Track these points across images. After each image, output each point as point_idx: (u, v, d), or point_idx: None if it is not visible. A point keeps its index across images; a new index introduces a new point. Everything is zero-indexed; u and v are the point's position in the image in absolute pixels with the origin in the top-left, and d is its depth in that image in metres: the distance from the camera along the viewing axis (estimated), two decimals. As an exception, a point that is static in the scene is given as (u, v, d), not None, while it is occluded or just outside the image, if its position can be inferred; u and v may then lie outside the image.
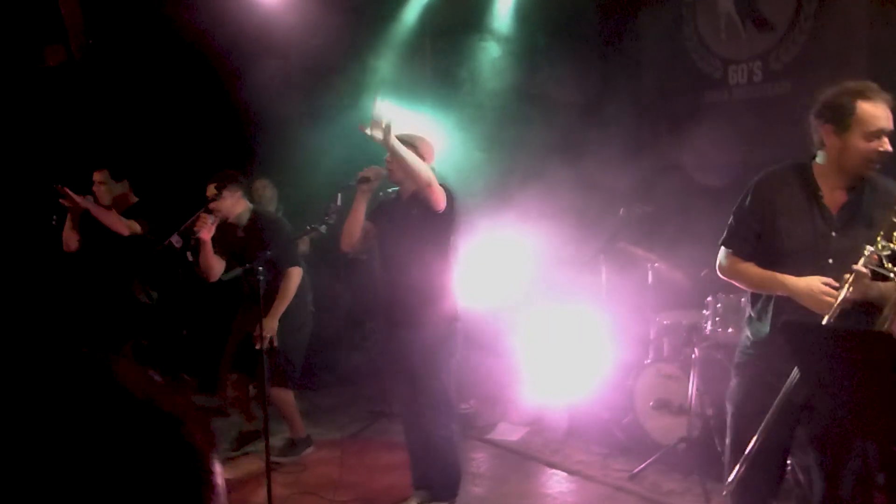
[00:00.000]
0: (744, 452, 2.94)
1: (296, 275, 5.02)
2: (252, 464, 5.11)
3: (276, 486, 4.39)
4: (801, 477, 3.99)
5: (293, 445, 5.38)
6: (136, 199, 5.93)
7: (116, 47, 6.43)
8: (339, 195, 4.09)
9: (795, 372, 2.92)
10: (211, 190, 4.99)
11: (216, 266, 4.93)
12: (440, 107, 6.84)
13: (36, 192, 5.84)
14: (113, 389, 0.73)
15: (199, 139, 6.59)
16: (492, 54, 6.87)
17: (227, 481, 0.83)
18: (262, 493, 4.20)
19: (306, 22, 6.48)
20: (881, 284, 2.59)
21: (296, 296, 5.03)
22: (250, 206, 5.22)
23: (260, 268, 3.96)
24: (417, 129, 5.11)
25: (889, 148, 2.83)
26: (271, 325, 4.85)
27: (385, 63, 7.14)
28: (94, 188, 5.76)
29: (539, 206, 5.56)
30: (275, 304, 4.91)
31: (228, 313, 5.33)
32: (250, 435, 5.39)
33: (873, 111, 2.84)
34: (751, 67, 5.69)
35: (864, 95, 2.86)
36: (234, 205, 5.04)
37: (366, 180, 4.00)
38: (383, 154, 3.94)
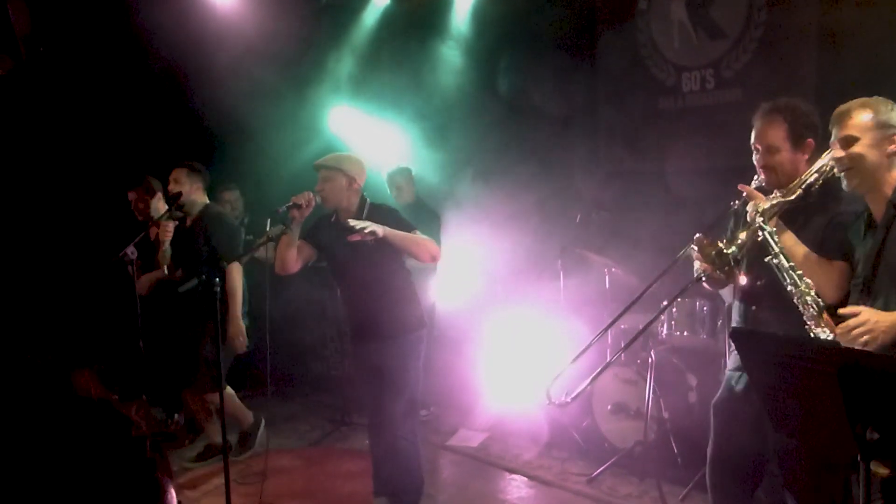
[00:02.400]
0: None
1: (236, 270, 5.04)
2: (214, 477, 5.04)
3: (237, 496, 4.36)
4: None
5: (247, 438, 5.36)
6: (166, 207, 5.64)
7: (70, 53, 6.31)
8: (269, 220, 4.09)
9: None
10: (175, 179, 5.07)
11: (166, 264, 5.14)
12: (398, 109, 6.84)
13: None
14: (71, 396, 0.74)
15: (157, 146, 6.50)
16: (450, 57, 6.90)
17: (186, 496, 0.85)
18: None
19: (264, 25, 6.44)
20: None
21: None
22: (204, 201, 5.25)
23: (217, 279, 3.91)
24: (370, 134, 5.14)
25: (756, 161, 3.02)
26: (237, 327, 4.97)
27: (344, 65, 7.13)
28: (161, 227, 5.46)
29: (495, 211, 5.59)
30: (228, 305, 4.96)
31: (181, 326, 5.23)
32: (214, 448, 5.34)
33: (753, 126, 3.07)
34: (703, 74, 5.78)
35: None
36: (193, 192, 5.11)
37: (297, 207, 3.96)
38: None
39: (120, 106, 6.55)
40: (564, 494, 4.73)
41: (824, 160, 2.87)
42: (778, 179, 2.96)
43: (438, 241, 4.45)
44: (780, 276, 2.75)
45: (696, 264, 3.07)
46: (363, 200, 4.14)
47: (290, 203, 3.96)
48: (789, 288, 2.67)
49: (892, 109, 2.61)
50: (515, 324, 5.69)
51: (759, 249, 2.93)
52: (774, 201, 2.89)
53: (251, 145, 6.67)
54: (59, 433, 0.72)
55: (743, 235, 2.91)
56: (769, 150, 2.97)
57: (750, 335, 2.31)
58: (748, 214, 2.92)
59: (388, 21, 7.10)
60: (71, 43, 6.30)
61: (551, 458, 5.25)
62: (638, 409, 4.91)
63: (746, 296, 3.11)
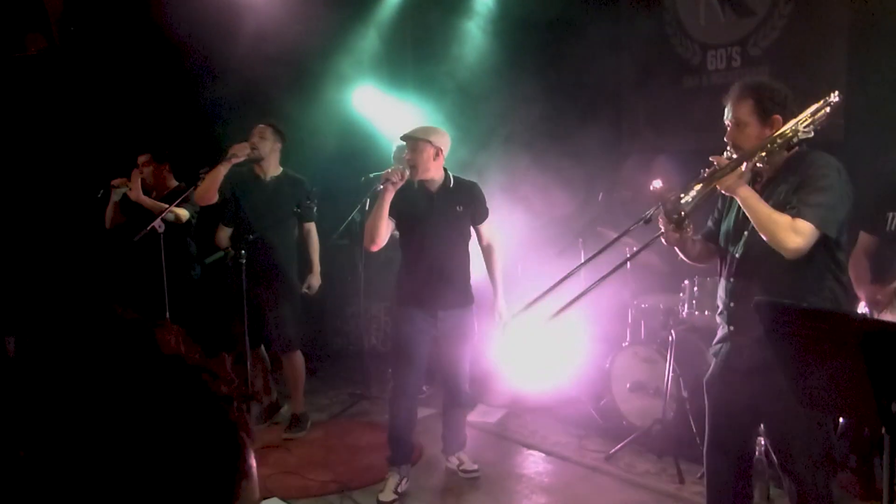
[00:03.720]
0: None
1: (314, 230, 5.37)
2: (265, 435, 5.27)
3: (260, 465, 4.39)
4: (773, 457, 4.05)
5: (299, 419, 5.44)
6: (175, 184, 5.76)
7: (97, 34, 6.35)
8: (367, 201, 4.53)
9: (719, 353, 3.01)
10: (260, 134, 5.15)
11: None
12: (422, 87, 6.83)
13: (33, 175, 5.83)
14: (158, 355, 0.74)
15: (178, 127, 6.52)
16: (474, 34, 6.87)
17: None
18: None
19: (287, 6, 6.43)
20: None
21: (292, 262, 5.29)
22: (279, 166, 5.32)
23: (243, 251, 4.09)
24: (393, 115, 5.19)
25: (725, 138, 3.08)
26: (318, 279, 5.40)
27: (368, 43, 7.12)
28: (137, 171, 5.59)
29: (517, 189, 5.58)
30: (312, 258, 5.37)
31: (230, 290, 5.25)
32: (273, 408, 5.63)
33: None
34: (729, 53, 5.72)
35: None
36: (273, 154, 5.21)
37: (391, 182, 4.14)
38: (369, 140, 4.01)
39: (141, 84, 6.56)
40: (582, 470, 4.75)
41: (785, 127, 2.89)
42: (742, 157, 2.96)
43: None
44: None
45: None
46: (447, 173, 4.37)
47: (384, 178, 4.16)
48: None
49: None
50: (535, 301, 5.68)
51: (742, 222, 2.99)
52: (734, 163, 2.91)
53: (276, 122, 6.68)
54: (150, 391, 0.72)
55: (698, 187, 2.90)
56: (737, 125, 3.03)
57: (772, 306, 2.28)
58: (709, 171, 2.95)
59: (413, 2, 7.08)
60: (99, 24, 6.34)
61: (569, 436, 5.27)
62: (657, 387, 4.91)
63: (731, 272, 3.10)
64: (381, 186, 4.17)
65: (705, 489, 3.31)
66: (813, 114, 2.92)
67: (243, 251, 4.92)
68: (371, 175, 5.55)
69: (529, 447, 5.14)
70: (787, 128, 2.90)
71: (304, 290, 5.35)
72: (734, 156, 3.00)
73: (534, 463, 4.94)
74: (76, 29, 6.18)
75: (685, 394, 4.78)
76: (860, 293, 4.02)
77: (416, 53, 7.09)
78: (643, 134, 6.27)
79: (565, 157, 5.82)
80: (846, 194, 2.92)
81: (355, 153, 6.51)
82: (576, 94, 6.13)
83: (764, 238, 2.84)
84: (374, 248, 4.32)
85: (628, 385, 5.10)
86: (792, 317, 2.16)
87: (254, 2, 6.49)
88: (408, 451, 4.51)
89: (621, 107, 6.45)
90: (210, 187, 4.93)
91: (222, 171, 4.88)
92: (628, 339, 5.35)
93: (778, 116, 2.99)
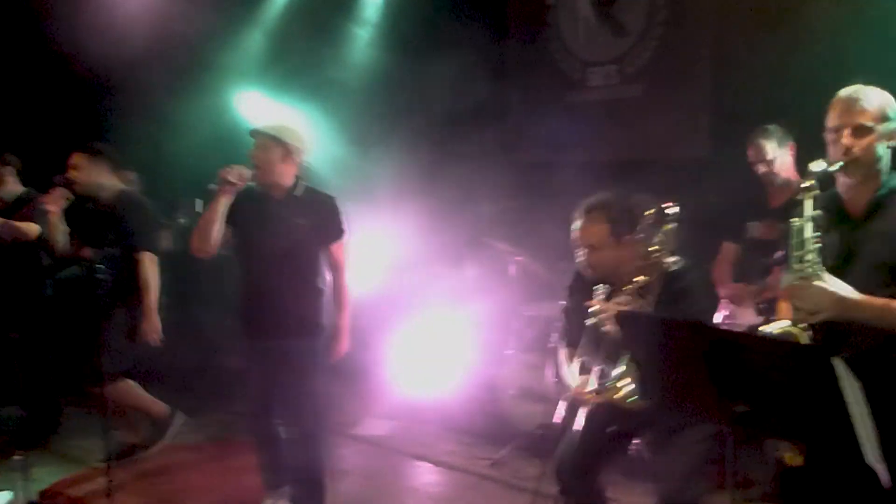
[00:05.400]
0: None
1: (149, 261, 4.70)
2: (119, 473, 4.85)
3: (129, 496, 4.32)
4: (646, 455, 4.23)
5: (161, 424, 5.02)
6: (21, 189, 5.32)
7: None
8: (201, 202, 3.87)
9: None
10: (75, 165, 4.75)
11: (60, 239, 4.79)
12: (308, 93, 6.78)
13: None
14: None
15: (51, 126, 6.25)
16: (361, 42, 6.86)
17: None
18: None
19: (167, 4, 6.26)
20: None
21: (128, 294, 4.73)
22: (118, 185, 4.94)
23: (99, 265, 3.75)
24: (285, 118, 4.95)
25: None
26: (152, 322, 4.66)
27: (252, 47, 6.98)
28: None
29: (403, 200, 5.62)
30: (143, 298, 4.66)
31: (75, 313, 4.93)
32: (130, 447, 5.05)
33: None
34: (607, 70, 5.96)
35: None
36: (96, 177, 4.78)
37: (228, 183, 3.68)
38: (246, 144, 3.85)
39: (15, 85, 6.28)
40: (470, 478, 4.81)
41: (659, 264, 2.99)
42: (602, 276, 3.08)
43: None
44: None
45: None
46: (298, 181, 3.86)
47: (220, 179, 3.67)
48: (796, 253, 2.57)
49: (892, 100, 2.54)
50: (422, 312, 5.75)
51: None
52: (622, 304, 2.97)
53: (152, 127, 6.49)
54: None
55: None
56: (593, 249, 3.09)
57: (633, 317, 2.44)
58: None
59: (299, 3, 7.01)
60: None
61: (458, 444, 5.32)
62: (541, 393, 5.02)
63: None
64: (215, 186, 3.68)
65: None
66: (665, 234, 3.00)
67: (100, 265, 4.27)
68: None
69: (418, 458, 5.16)
70: (653, 252, 2.99)
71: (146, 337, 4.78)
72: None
73: (423, 474, 4.97)
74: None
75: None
76: (722, 292, 4.26)
77: (303, 57, 7.03)
78: (528, 146, 6.44)
79: (452, 168, 5.90)
80: (709, 297, 3.15)
81: (241, 160, 6.37)
82: (462, 104, 6.23)
83: None
84: (203, 255, 3.79)
85: (513, 391, 5.21)
86: (651, 326, 2.29)
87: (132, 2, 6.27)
88: (280, 475, 4.12)
89: (506, 119, 6.60)
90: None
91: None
92: (513, 346, 5.46)
93: (629, 235, 3.08)
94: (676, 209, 2.98)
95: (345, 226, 3.92)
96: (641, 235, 3.02)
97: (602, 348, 3.09)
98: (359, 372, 5.97)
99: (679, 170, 5.16)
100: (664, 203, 2.98)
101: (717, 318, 4.31)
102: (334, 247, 3.89)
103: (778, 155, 4.07)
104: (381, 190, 5.72)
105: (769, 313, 3.82)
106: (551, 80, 6.24)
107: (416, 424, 5.66)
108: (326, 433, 4.08)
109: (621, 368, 2.92)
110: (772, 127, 4.11)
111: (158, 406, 5.07)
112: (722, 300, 4.33)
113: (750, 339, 2.28)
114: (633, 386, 2.84)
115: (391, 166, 5.95)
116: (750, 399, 2.02)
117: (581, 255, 3.13)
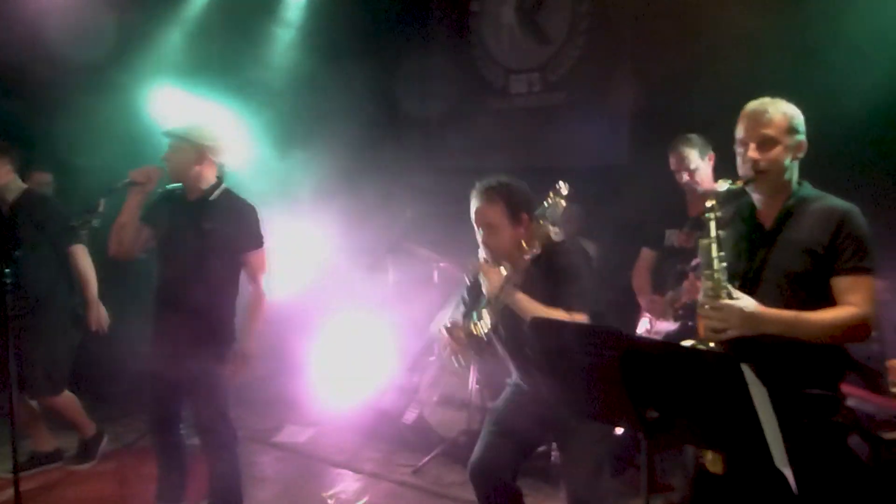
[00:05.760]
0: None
1: (82, 253, 4.65)
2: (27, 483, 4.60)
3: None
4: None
5: (89, 446, 4.99)
6: None
7: None
8: (103, 201, 3.63)
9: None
10: None
11: None
12: (227, 93, 6.63)
13: None
14: None
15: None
16: (284, 43, 6.76)
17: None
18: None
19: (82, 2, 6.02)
20: None
21: (56, 295, 4.69)
22: (22, 185, 4.78)
23: (7, 270, 3.60)
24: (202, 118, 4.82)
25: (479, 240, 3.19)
26: (98, 312, 4.68)
27: (172, 42, 6.79)
28: None
29: (325, 204, 5.55)
30: (84, 290, 4.67)
31: None
32: (44, 456, 4.95)
33: None
34: (530, 78, 6.02)
35: None
36: (2, 176, 4.63)
37: (136, 184, 3.62)
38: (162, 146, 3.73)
39: None
40: (390, 486, 4.77)
41: (543, 233, 3.04)
42: (498, 257, 3.10)
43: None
44: None
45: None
46: (218, 184, 3.76)
47: (128, 179, 3.60)
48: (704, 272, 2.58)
49: (797, 112, 2.60)
50: (345, 318, 5.68)
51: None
52: (506, 273, 3.02)
53: (63, 125, 6.21)
54: None
55: (487, 313, 3.04)
56: (488, 228, 3.10)
57: (545, 324, 2.45)
58: (485, 292, 3.05)
59: (220, 2, 6.86)
60: None
61: (378, 451, 5.28)
62: (463, 399, 5.03)
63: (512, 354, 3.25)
64: (119, 185, 3.63)
65: None
66: (552, 210, 3.04)
67: (7, 269, 3.97)
68: None
69: (338, 465, 5.09)
70: (541, 232, 3.04)
71: (93, 328, 4.79)
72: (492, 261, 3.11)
73: (342, 481, 4.90)
74: None
75: (489, 404, 4.93)
76: (642, 303, 4.34)
77: (224, 58, 6.87)
78: (451, 152, 6.44)
79: (374, 173, 5.86)
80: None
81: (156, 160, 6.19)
82: (386, 109, 6.20)
83: None
84: (121, 259, 3.75)
85: (436, 398, 5.19)
86: (563, 333, 2.29)
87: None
88: (178, 488, 4.01)
89: (430, 124, 6.60)
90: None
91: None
92: (436, 352, 5.44)
93: (525, 215, 3.10)
94: (567, 188, 3.01)
95: (262, 235, 3.80)
96: (536, 215, 3.07)
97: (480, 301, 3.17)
98: (279, 379, 5.89)
99: (600, 177, 5.25)
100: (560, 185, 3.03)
101: (640, 328, 4.39)
102: (250, 256, 3.76)
103: (700, 165, 4.13)
104: (302, 193, 5.62)
105: (686, 319, 3.92)
106: (475, 87, 6.26)
107: (336, 432, 5.59)
108: (236, 442, 3.94)
109: (482, 308, 3.06)
110: (693, 136, 4.16)
111: (90, 425, 5.01)
112: (643, 311, 4.40)
113: (661, 347, 2.32)
114: (489, 322, 3.00)
115: (312, 170, 5.87)
116: (662, 406, 2.04)
117: (478, 236, 3.15)
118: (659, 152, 4.31)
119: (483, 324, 3.05)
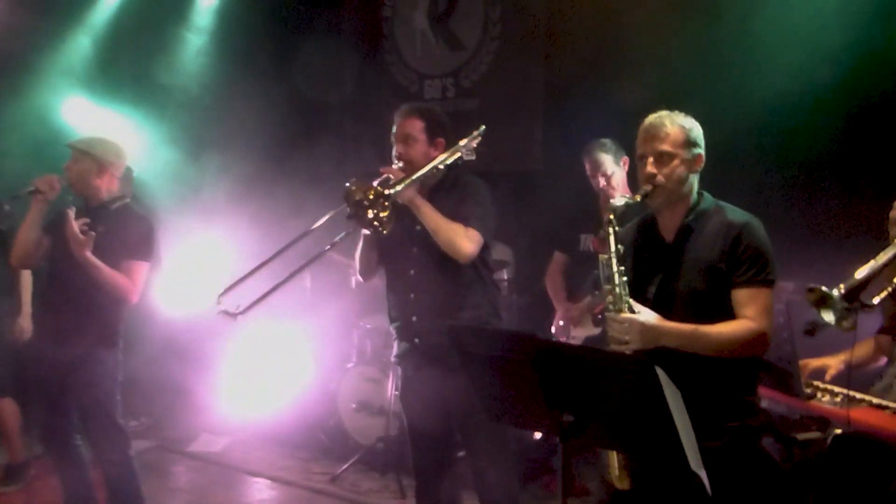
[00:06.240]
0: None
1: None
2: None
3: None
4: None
5: (18, 470, 4.74)
6: None
7: None
8: (6, 206, 3.71)
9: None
10: None
11: None
12: (138, 101, 6.46)
13: None
14: None
15: None
16: (194, 48, 6.63)
17: None
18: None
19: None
20: None
21: None
22: None
23: None
24: (107, 128, 4.75)
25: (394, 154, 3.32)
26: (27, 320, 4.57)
27: (79, 47, 6.58)
28: None
29: (238, 211, 5.47)
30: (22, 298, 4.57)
31: None
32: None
33: None
34: (444, 83, 6.06)
35: None
36: None
37: (38, 192, 3.59)
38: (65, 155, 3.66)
39: None
40: (307, 494, 4.73)
41: (448, 156, 3.18)
42: (412, 170, 3.18)
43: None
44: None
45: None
46: (121, 197, 3.80)
47: (31, 187, 3.59)
48: (605, 286, 2.59)
49: (696, 125, 2.60)
50: (261, 325, 5.59)
51: (409, 238, 3.20)
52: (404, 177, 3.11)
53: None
54: None
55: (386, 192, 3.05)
56: (406, 140, 3.24)
57: (462, 330, 2.45)
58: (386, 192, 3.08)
59: (128, 8, 6.68)
60: None
61: (295, 459, 5.23)
62: (381, 406, 5.01)
63: (409, 288, 3.27)
64: (22, 192, 3.67)
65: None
66: (468, 142, 3.23)
67: None
68: None
69: (254, 474, 5.01)
70: (454, 151, 3.20)
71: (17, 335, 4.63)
72: (399, 165, 3.20)
73: (258, 491, 4.84)
74: None
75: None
76: (558, 308, 4.41)
77: (133, 63, 6.69)
78: (366, 158, 6.42)
79: (289, 177, 5.79)
80: (494, 208, 3.27)
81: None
82: (301, 114, 6.14)
83: (440, 244, 3.06)
84: (22, 266, 3.90)
85: (354, 405, 5.16)
86: (479, 338, 2.31)
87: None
88: (80, 497, 3.87)
89: (345, 130, 6.57)
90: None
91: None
92: (354, 359, 5.41)
93: (442, 140, 3.25)
94: (482, 130, 3.24)
95: (147, 249, 3.73)
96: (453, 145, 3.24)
97: None
98: (193, 387, 5.76)
99: (515, 182, 5.32)
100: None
101: (552, 329, 4.45)
102: (131, 265, 3.65)
103: (615, 170, 4.18)
104: (214, 199, 5.52)
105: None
106: (388, 92, 6.25)
107: (252, 440, 5.52)
108: (129, 445, 3.82)
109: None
110: (607, 141, 4.22)
111: (22, 448, 4.77)
112: (557, 315, 4.47)
113: (576, 350, 2.35)
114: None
115: (225, 175, 5.77)
116: (577, 409, 2.05)
117: (396, 152, 3.27)
118: (572, 158, 4.38)
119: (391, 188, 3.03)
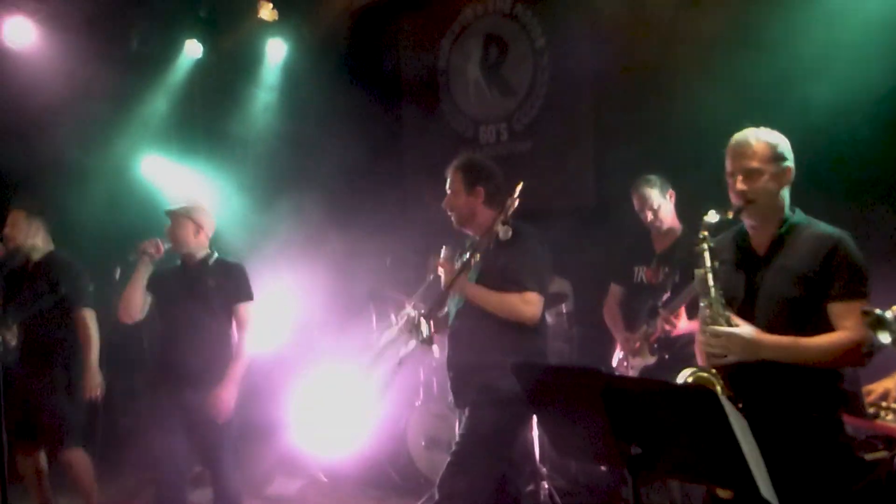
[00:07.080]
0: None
1: (90, 317, 4.71)
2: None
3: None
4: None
5: None
6: None
7: None
8: (119, 269, 4.34)
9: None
10: (12, 223, 4.73)
11: None
12: (211, 154, 6.82)
13: None
14: None
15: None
16: (263, 106, 7.02)
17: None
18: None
19: (71, 70, 6.19)
20: None
21: (68, 353, 4.70)
22: (50, 246, 4.86)
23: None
24: (192, 191, 5.13)
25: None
26: (94, 378, 4.67)
27: (157, 113, 6.98)
28: None
29: (306, 258, 5.69)
30: (85, 354, 4.65)
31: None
32: None
33: None
34: (498, 128, 6.28)
35: None
36: (32, 235, 4.76)
37: (146, 253, 4.17)
38: (148, 218, 4.05)
39: None
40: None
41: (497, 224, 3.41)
42: (459, 220, 3.61)
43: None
44: None
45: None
46: (211, 252, 4.29)
47: (140, 249, 4.16)
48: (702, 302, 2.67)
49: (782, 139, 2.66)
50: (329, 368, 5.77)
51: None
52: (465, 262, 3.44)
53: (59, 194, 6.34)
54: None
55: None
56: (449, 191, 3.61)
57: (527, 367, 2.54)
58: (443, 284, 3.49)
59: (202, 70, 7.09)
60: None
61: (368, 498, 5.35)
62: (449, 442, 5.10)
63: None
64: (135, 257, 4.19)
65: None
66: (507, 208, 3.41)
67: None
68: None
69: (331, 514, 5.16)
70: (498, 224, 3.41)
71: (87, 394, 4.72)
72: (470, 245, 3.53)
73: (335, 529, 4.97)
74: None
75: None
76: (618, 339, 4.50)
77: (206, 125, 7.09)
78: (426, 202, 6.64)
79: (355, 225, 6.03)
80: (546, 256, 3.49)
81: (149, 228, 6.30)
82: (364, 165, 6.39)
83: (501, 316, 3.33)
84: (128, 320, 4.26)
85: (423, 442, 5.28)
86: (545, 375, 2.41)
87: (35, 69, 6.16)
88: None
89: (404, 175, 6.83)
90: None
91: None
92: (421, 397, 5.55)
93: (481, 188, 3.53)
94: (520, 188, 3.42)
95: (251, 289, 4.28)
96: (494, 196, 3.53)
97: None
98: (269, 430, 5.95)
99: (569, 218, 5.45)
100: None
101: (614, 360, 4.54)
102: (241, 307, 4.22)
103: (662, 203, 4.34)
104: (283, 245, 5.78)
105: (663, 352, 4.10)
106: (445, 139, 6.50)
107: (327, 481, 5.65)
108: (238, 490, 4.20)
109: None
110: (653, 177, 4.37)
111: (96, 499, 4.89)
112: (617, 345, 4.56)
113: (639, 383, 2.43)
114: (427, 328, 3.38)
115: (293, 223, 6.03)
116: (645, 441, 2.07)
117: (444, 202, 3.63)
118: (624, 192, 4.51)
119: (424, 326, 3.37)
